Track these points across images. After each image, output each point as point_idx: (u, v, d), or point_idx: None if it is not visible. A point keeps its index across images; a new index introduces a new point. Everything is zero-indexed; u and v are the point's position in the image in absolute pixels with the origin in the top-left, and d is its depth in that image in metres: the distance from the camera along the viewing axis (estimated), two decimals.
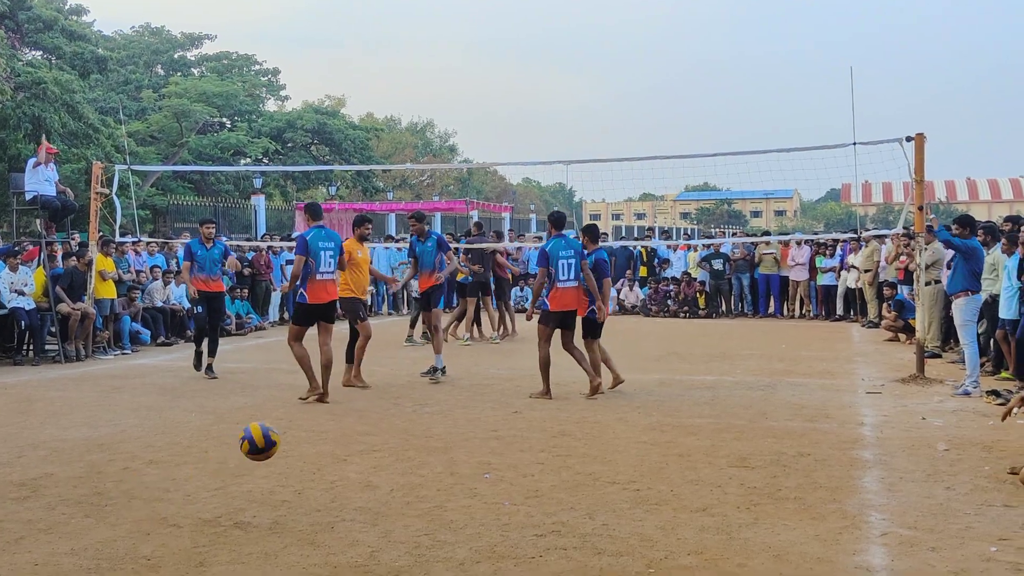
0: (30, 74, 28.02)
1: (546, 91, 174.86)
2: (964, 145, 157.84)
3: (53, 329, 14.14)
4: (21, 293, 13.68)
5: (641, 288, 23.42)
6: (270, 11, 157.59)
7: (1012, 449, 7.52)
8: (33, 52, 33.59)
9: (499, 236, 21.91)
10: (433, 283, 11.78)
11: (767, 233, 29.22)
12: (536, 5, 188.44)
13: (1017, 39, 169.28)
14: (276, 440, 5.98)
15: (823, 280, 20.98)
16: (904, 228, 14.99)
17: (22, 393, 11.02)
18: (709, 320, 21.36)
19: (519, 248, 22.83)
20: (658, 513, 5.85)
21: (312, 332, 10.50)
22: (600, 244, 11.38)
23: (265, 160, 43.78)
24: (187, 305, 14.73)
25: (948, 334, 13.96)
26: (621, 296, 23.31)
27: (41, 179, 14.93)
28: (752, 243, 22.69)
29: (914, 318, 13.13)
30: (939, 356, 13.78)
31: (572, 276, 10.42)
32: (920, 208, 12.05)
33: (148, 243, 18.75)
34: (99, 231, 15.67)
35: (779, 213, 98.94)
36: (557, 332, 10.50)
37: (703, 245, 24.04)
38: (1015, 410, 7.02)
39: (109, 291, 15.14)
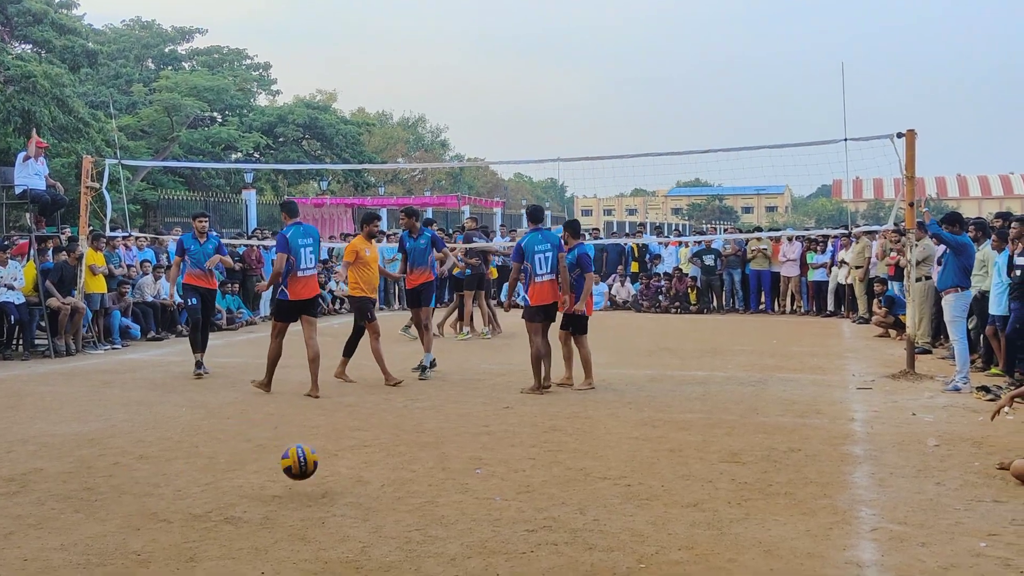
0: (20, 68, 27.86)
1: (538, 87, 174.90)
2: (955, 142, 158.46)
3: (43, 324, 14.09)
4: (11, 287, 13.63)
5: (632, 283, 23.44)
6: (261, 5, 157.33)
7: (1001, 445, 7.55)
8: (23, 46, 33.38)
9: (485, 233, 21.90)
10: (424, 280, 11.77)
11: (758, 229, 29.27)
12: (529, 1, 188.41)
13: (1009, 37, 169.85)
14: (312, 462, 6.25)
15: (814, 276, 21.04)
16: (895, 224, 15.02)
17: (11, 388, 10.98)
18: (700, 316, 21.38)
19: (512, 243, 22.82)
20: (649, 508, 5.86)
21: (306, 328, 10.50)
22: (582, 240, 11.41)
23: (256, 155, 43.66)
24: (178, 299, 14.66)
25: (938, 330, 14.00)
26: (612, 291, 23.34)
27: (31, 173, 14.89)
28: (743, 239, 22.73)
29: (904, 314, 13.17)
30: (929, 352, 13.83)
31: (548, 270, 10.47)
32: (911, 204, 12.08)
33: (137, 238, 18.69)
34: (89, 226, 15.61)
35: (770, 209, 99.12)
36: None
37: (694, 241, 24.06)
38: (1004, 409, 7.04)
39: (99, 286, 15.09)
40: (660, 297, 22.48)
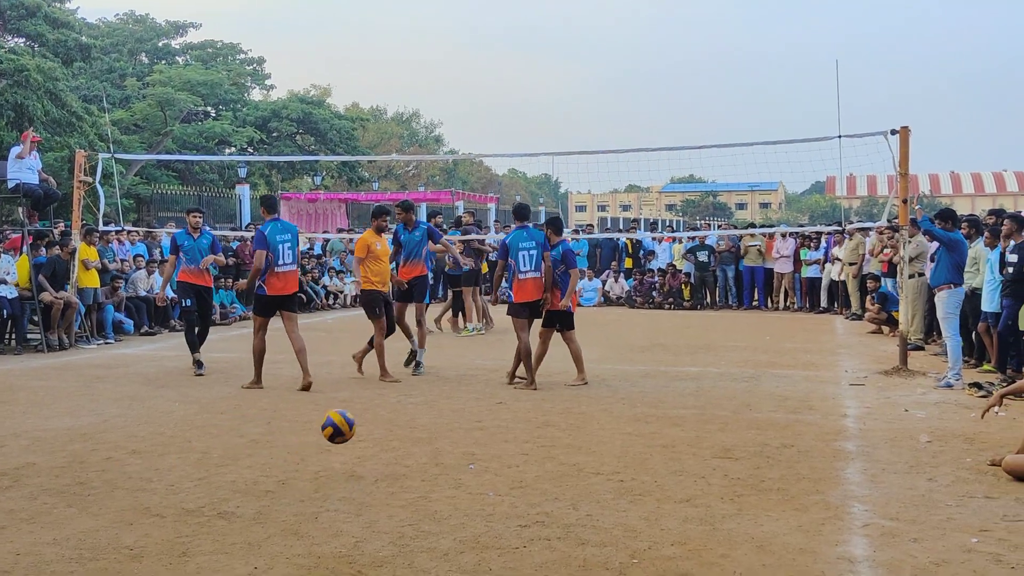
0: (12, 61, 27.78)
1: (533, 82, 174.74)
2: (948, 139, 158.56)
3: (35, 318, 14.06)
4: (3, 282, 13.61)
5: (626, 279, 23.46)
6: (255, 0, 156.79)
7: (993, 441, 7.57)
8: (16, 39, 33.29)
9: (479, 226, 21.89)
10: (417, 273, 11.77)
11: (752, 225, 29.31)
12: None
13: (1003, 35, 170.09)
14: (353, 420, 6.79)
15: (807, 272, 21.08)
16: (888, 221, 15.06)
17: (4, 382, 10.95)
18: (694, 312, 21.42)
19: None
20: (642, 504, 5.87)
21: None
22: (566, 237, 11.44)
23: (250, 149, 43.58)
24: (170, 294, 14.63)
25: (931, 327, 14.04)
26: (606, 287, 23.37)
27: (23, 167, 14.85)
28: (737, 235, 22.75)
29: (897, 310, 13.20)
30: (922, 348, 13.87)
31: (533, 267, 10.55)
32: (904, 201, 12.10)
33: (130, 232, 18.66)
34: (82, 220, 15.58)
35: (764, 205, 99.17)
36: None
37: (688, 237, 24.09)
38: (994, 408, 7.06)
39: (92, 280, 15.06)
40: (654, 293, 22.50)
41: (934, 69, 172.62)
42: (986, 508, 5.79)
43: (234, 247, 19.85)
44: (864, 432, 8.08)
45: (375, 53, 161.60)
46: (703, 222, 59.48)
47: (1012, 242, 10.74)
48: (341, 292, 22.67)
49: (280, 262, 10.50)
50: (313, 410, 9.04)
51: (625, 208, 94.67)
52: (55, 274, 14.35)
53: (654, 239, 25.25)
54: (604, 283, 23.44)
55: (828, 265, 20.48)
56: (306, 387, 10.23)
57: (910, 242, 12.73)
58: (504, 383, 10.64)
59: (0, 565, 4.82)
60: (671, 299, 22.13)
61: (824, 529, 5.38)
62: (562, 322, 10.72)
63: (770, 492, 6.15)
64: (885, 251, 17.00)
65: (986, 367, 11.51)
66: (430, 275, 12.87)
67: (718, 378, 11.17)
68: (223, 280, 18.34)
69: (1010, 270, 10.56)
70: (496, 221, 31.03)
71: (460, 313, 16.71)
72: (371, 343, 11.27)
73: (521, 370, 10.65)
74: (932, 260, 11.63)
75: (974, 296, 11.46)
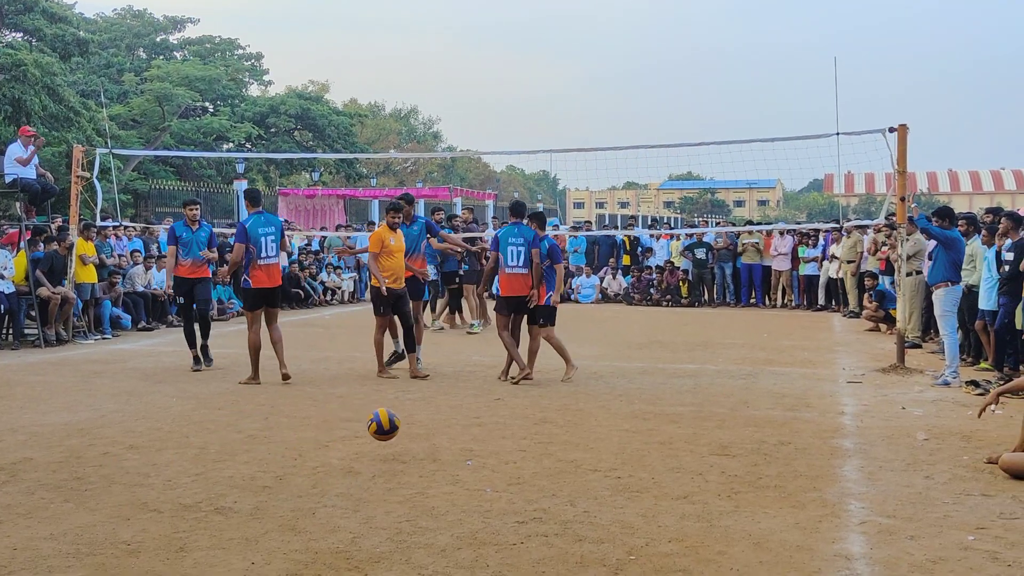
0: (10, 56, 27.72)
1: (531, 78, 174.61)
2: (946, 137, 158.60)
3: (33, 313, 14.05)
4: (1, 277, 13.58)
5: (624, 276, 23.47)
6: None
7: (991, 439, 7.58)
8: (13, 34, 33.22)
9: (475, 223, 21.87)
10: (416, 267, 11.77)
11: (750, 223, 29.31)
12: None
13: (1001, 33, 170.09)
14: (398, 425, 6.98)
15: (805, 270, 21.10)
16: (886, 219, 15.06)
17: (1, 377, 10.94)
18: (691, 309, 21.42)
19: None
20: (639, 500, 5.87)
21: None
22: (548, 231, 11.42)
23: (248, 145, 43.55)
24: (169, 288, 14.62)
25: (928, 324, 14.04)
26: (604, 284, 23.37)
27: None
28: (735, 232, 22.76)
29: (895, 308, 13.21)
30: (919, 346, 13.88)
31: (520, 263, 10.61)
32: (902, 199, 12.11)
33: (127, 227, 18.63)
34: (80, 215, 15.56)
35: (762, 203, 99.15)
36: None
37: (686, 234, 24.10)
38: (991, 407, 7.07)
39: (90, 275, 15.04)
40: (651, 290, 22.51)
41: (932, 67, 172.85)
42: (983, 506, 5.79)
43: (232, 243, 19.81)
44: (861, 430, 8.09)
45: (373, 49, 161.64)
46: (701, 219, 59.51)
47: (1008, 240, 10.75)
48: (338, 288, 22.67)
49: (263, 255, 10.53)
50: (311, 406, 9.05)
51: (623, 205, 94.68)
52: (52, 269, 14.34)
53: (652, 236, 25.25)
54: (602, 280, 23.44)
55: (826, 263, 20.49)
56: (285, 378, 10.34)
57: (908, 240, 12.73)
58: (500, 380, 10.63)
59: None
60: (669, 296, 22.14)
61: (821, 526, 5.38)
62: (544, 317, 10.68)
63: (767, 489, 6.15)
64: (883, 249, 17.01)
65: (983, 365, 11.53)
66: (432, 271, 12.83)
67: (716, 375, 11.18)
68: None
69: (1006, 268, 10.57)
70: (494, 218, 30.99)
71: (458, 310, 16.71)
72: (410, 348, 11.00)
73: (515, 368, 10.68)
74: (930, 258, 11.64)
75: (971, 293, 11.47)
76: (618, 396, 9.66)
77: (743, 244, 21.69)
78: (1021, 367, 10.62)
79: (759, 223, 33.96)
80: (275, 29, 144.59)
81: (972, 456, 7.05)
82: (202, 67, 44.27)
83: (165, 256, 14.17)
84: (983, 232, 11.58)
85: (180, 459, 6.91)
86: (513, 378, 10.55)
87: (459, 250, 14.62)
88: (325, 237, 25.75)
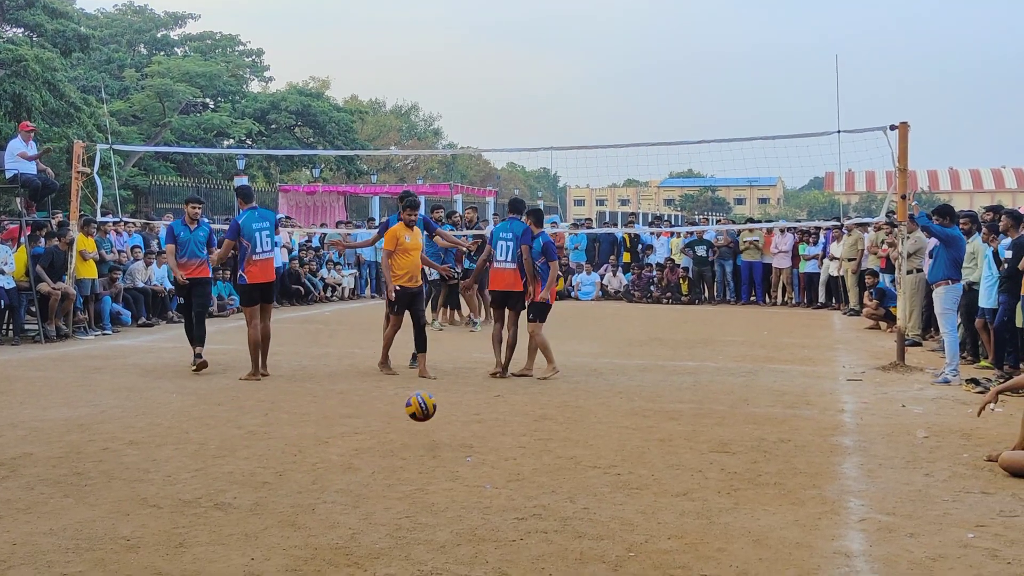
0: (11, 51, 27.72)
1: (532, 76, 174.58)
2: (947, 135, 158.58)
3: (33, 309, 14.04)
4: (1, 272, 13.58)
5: (624, 274, 23.46)
6: None
7: (990, 437, 7.58)
8: (14, 29, 33.20)
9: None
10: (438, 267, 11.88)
11: (751, 220, 29.28)
12: None
13: (1002, 32, 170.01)
14: (434, 403, 7.41)
15: (806, 268, 21.08)
16: (887, 216, 15.05)
17: (1, 372, 10.94)
18: (692, 306, 21.42)
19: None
20: (639, 497, 5.87)
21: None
22: (544, 228, 11.39)
23: (248, 142, 43.58)
24: (169, 285, 14.61)
25: (929, 322, 14.04)
26: (604, 281, 23.37)
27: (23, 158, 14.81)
28: (735, 230, 22.75)
29: (895, 306, 13.20)
30: (919, 344, 13.87)
31: (508, 258, 10.67)
32: (903, 197, 12.10)
33: (127, 223, 18.62)
34: (80, 211, 15.55)
35: (763, 201, 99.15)
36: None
37: (687, 232, 24.09)
38: (990, 405, 7.07)
39: (90, 271, 15.03)
40: (652, 287, 22.51)
41: (934, 65, 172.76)
42: (983, 504, 5.79)
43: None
44: (861, 427, 8.09)
45: (374, 46, 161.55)
46: (702, 217, 59.49)
47: (1008, 238, 10.74)
48: (339, 284, 22.66)
49: (258, 250, 10.53)
50: (310, 402, 9.05)
51: (624, 202, 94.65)
52: (53, 265, 14.33)
53: (652, 233, 25.24)
54: (602, 277, 23.43)
55: (826, 260, 20.48)
56: (261, 377, 10.42)
57: (908, 238, 12.73)
58: (499, 378, 10.62)
59: None
60: (669, 294, 22.13)
61: (821, 523, 5.38)
62: (535, 312, 10.67)
63: (767, 486, 6.15)
64: (883, 247, 17.00)
65: (983, 363, 11.52)
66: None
67: (715, 373, 11.18)
68: (220, 272, 18.30)
69: (1005, 266, 10.56)
70: (495, 215, 30.98)
71: (456, 308, 16.69)
72: (420, 348, 10.89)
73: (514, 364, 10.67)
74: (930, 256, 11.64)
75: (971, 291, 11.46)
76: (618, 393, 9.66)
77: (744, 242, 21.69)
78: (1021, 365, 10.61)
79: (760, 221, 33.93)
80: (276, 25, 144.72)
81: (972, 454, 7.05)
82: (203, 63, 44.28)
83: (164, 253, 14.14)
84: (983, 230, 11.57)
85: (180, 455, 6.91)
86: (513, 373, 10.57)
87: (462, 248, 14.62)
88: (325, 234, 25.75)
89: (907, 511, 5.62)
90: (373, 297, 22.82)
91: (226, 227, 11.68)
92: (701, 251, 21.98)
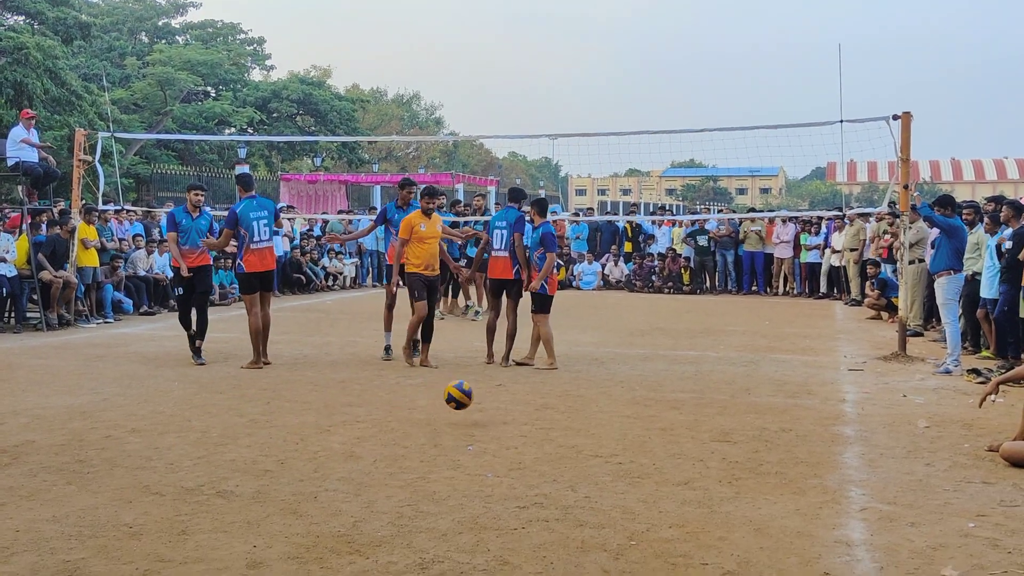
0: (12, 39, 27.66)
1: (534, 65, 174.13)
2: (949, 125, 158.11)
3: (35, 297, 14.05)
4: (3, 260, 13.58)
5: (626, 263, 23.46)
6: None
7: (991, 427, 7.59)
8: (15, 17, 33.12)
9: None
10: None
11: (752, 210, 29.26)
12: None
13: (1004, 22, 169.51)
14: (469, 389, 7.66)
15: (807, 258, 21.08)
16: (889, 207, 15.03)
17: (3, 360, 10.95)
18: (693, 296, 21.42)
19: None
20: (640, 486, 5.88)
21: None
22: (548, 218, 11.31)
23: (250, 130, 43.50)
24: (170, 274, 14.60)
25: (930, 313, 14.04)
26: (606, 271, 23.38)
27: (24, 145, 14.80)
28: (737, 220, 22.73)
29: (897, 296, 13.20)
30: (921, 334, 13.87)
31: (503, 246, 10.74)
32: (905, 187, 12.08)
33: (129, 211, 18.62)
34: (82, 199, 15.55)
35: (764, 191, 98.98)
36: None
37: (688, 221, 24.07)
38: (991, 396, 7.07)
39: (91, 259, 15.03)
40: (653, 277, 22.50)
41: (936, 55, 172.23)
42: (983, 493, 5.80)
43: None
44: (862, 417, 8.10)
45: (376, 34, 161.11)
46: (703, 207, 59.42)
47: (1009, 228, 10.73)
48: (340, 273, 22.67)
49: (256, 239, 10.51)
50: (312, 391, 9.06)
51: (625, 192, 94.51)
52: (54, 253, 14.33)
53: (653, 223, 25.22)
54: (604, 267, 23.44)
55: (828, 251, 20.47)
56: (262, 365, 10.44)
57: (910, 228, 12.71)
58: (502, 366, 10.64)
59: (0, 542, 4.83)
60: (670, 283, 22.14)
61: (822, 513, 5.39)
62: (536, 304, 10.67)
63: (768, 476, 6.16)
64: (885, 237, 16.98)
65: (985, 353, 11.52)
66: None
67: (717, 362, 11.18)
68: (222, 260, 18.31)
69: (1006, 256, 10.55)
70: (496, 204, 30.97)
71: (456, 297, 16.66)
72: (425, 339, 10.86)
73: (515, 353, 10.69)
74: (932, 247, 11.63)
75: (973, 281, 11.45)
76: (619, 382, 9.67)
77: (745, 231, 21.67)
78: (1022, 355, 10.61)
79: (762, 211, 33.94)
80: (277, 13, 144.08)
81: (973, 444, 7.06)
82: (204, 51, 44.18)
83: (166, 240, 14.10)
84: (985, 220, 11.56)
85: (182, 443, 6.92)
86: (515, 360, 10.58)
87: (457, 239, 14.55)
88: (327, 222, 25.73)
89: (908, 500, 5.63)
90: (374, 286, 22.82)
91: (225, 213, 11.65)
92: (703, 241, 21.98)
